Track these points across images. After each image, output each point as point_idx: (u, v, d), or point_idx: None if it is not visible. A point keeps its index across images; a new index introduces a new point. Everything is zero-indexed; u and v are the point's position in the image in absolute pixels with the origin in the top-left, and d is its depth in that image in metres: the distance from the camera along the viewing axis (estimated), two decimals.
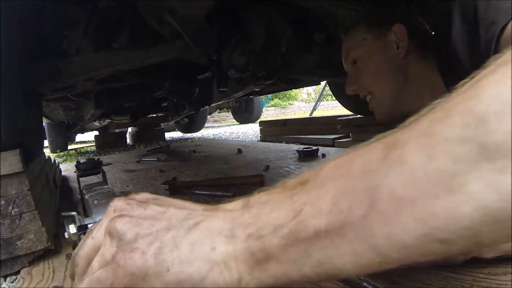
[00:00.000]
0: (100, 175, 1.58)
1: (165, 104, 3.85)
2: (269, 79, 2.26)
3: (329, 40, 2.10)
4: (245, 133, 6.77)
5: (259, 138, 5.36)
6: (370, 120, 3.33)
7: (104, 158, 4.37)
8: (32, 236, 1.23)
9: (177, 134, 7.71)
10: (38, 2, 1.55)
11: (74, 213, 1.08)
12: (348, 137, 3.63)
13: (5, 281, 1.20)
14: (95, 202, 1.21)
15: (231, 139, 5.87)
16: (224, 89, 2.26)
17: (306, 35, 2.07)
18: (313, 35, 2.09)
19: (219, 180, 2.19)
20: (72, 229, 0.99)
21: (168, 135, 6.83)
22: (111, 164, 3.75)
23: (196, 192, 2.00)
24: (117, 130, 6.64)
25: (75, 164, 1.66)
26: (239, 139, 5.74)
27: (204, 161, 3.34)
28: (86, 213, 1.36)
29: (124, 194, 1.85)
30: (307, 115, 9.74)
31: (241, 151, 3.59)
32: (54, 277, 1.13)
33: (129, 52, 1.86)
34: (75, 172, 1.69)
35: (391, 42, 1.24)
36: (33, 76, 1.61)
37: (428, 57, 1.24)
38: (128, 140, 6.50)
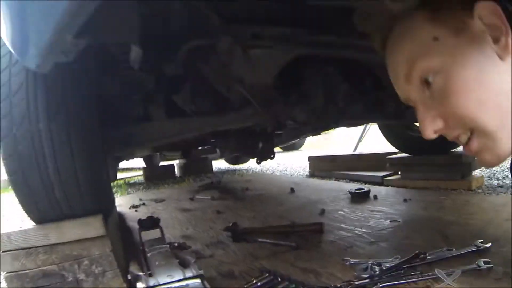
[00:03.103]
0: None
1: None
2: (326, 130, 2.38)
3: (378, 83, 2.05)
4: (292, 165, 6.84)
5: (307, 172, 5.44)
6: (419, 159, 3.39)
7: (156, 193, 4.56)
8: None
9: (223, 165, 7.80)
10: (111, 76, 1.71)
11: (141, 273, 1.34)
12: (397, 174, 3.70)
13: None
14: (156, 263, 1.44)
15: (278, 172, 5.97)
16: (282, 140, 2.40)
17: (357, 82, 2.08)
18: (363, 80, 2.09)
19: (279, 228, 2.29)
20: (139, 285, 1.25)
21: (214, 165, 6.95)
22: (164, 200, 3.90)
23: (259, 240, 2.11)
24: (165, 163, 6.74)
25: (137, 221, 1.89)
26: (287, 173, 5.85)
27: (258, 201, 3.45)
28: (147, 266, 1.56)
29: (185, 238, 1.99)
30: (348, 141, 9.75)
31: (294, 191, 3.69)
32: None
33: (200, 120, 1.97)
34: (138, 228, 1.87)
35: (481, 35, 0.82)
36: (109, 142, 1.75)
37: None
38: (176, 172, 6.60)
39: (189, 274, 1.32)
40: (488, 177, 3.24)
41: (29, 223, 1.42)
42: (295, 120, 2.00)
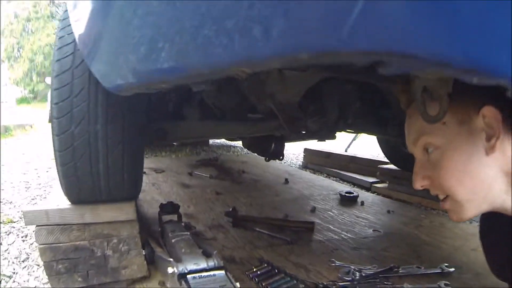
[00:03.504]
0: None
1: None
2: (331, 138, 2.60)
3: (386, 103, 2.18)
4: (286, 151, 6.94)
5: (300, 162, 5.69)
6: (407, 175, 3.48)
7: (154, 161, 4.74)
8: (135, 267, 1.61)
9: (219, 140, 7.91)
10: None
11: (171, 259, 1.45)
12: (385, 183, 3.90)
13: None
14: (182, 250, 1.56)
15: None
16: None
17: (368, 100, 2.23)
18: (373, 99, 2.23)
19: (275, 220, 2.54)
20: (170, 270, 1.38)
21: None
22: (164, 171, 4.12)
23: (257, 229, 2.36)
24: None
25: (160, 205, 2.04)
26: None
27: (255, 188, 3.70)
28: (166, 247, 1.75)
29: (187, 216, 2.19)
30: (341, 137, 9.76)
31: (288, 181, 3.94)
32: None
33: (230, 125, 2.16)
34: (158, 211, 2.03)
35: (479, 130, 0.98)
36: (147, 135, 1.87)
37: None
38: None
39: (211, 264, 1.43)
40: None
41: (65, 202, 1.56)
42: (307, 128, 2.17)
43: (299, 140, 2.93)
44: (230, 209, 2.61)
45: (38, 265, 1.88)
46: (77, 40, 1.22)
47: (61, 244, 1.47)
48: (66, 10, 1.45)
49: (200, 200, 3.04)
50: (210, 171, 4.17)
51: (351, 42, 0.53)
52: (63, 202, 1.55)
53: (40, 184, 3.54)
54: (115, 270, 1.57)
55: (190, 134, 2.16)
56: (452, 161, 1.03)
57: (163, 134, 2.03)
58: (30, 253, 2.01)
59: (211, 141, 7.09)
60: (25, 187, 3.58)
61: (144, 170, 3.79)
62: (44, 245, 1.45)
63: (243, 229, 2.41)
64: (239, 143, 7.48)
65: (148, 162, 4.50)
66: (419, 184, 1.13)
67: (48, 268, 1.46)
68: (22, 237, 2.25)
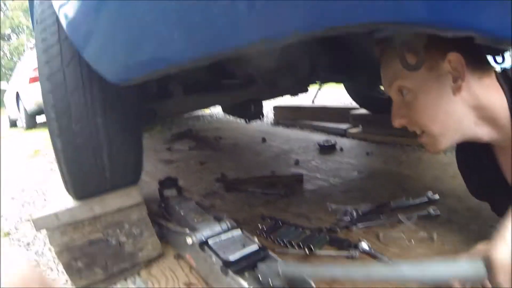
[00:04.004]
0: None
1: None
2: (304, 92, 2.69)
3: (355, 59, 2.25)
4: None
5: (270, 120, 5.73)
6: (379, 117, 3.69)
7: None
8: (150, 247, 1.64)
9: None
10: None
11: (187, 229, 1.52)
12: (358, 127, 4.01)
13: (126, 281, 1.61)
14: (195, 220, 1.63)
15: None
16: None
17: (339, 56, 2.26)
18: (344, 56, 2.25)
19: (265, 178, 2.64)
20: (189, 240, 1.43)
21: None
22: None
23: (250, 189, 2.47)
24: None
25: (159, 180, 2.12)
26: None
27: (235, 151, 3.80)
28: (175, 220, 1.79)
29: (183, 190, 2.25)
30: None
31: (265, 140, 4.04)
32: (176, 275, 1.56)
33: (213, 96, 2.23)
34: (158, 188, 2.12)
35: (446, 74, 1.10)
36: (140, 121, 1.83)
37: (486, 81, 1.14)
38: None
39: (225, 227, 1.51)
40: None
41: (70, 201, 1.55)
42: (276, 85, 2.22)
43: (274, 97, 3.00)
44: (219, 176, 2.70)
45: (51, 269, 1.88)
46: (74, 42, 1.23)
47: (76, 242, 1.47)
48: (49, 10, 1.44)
49: (187, 173, 3.11)
50: (188, 143, 4.23)
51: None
52: (69, 201, 1.55)
53: (23, 190, 3.51)
54: (132, 255, 1.59)
55: (177, 110, 2.25)
56: (424, 102, 1.16)
57: (153, 114, 2.10)
58: (39, 259, 2.01)
59: None
60: (10, 198, 3.51)
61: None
62: (60, 247, 1.46)
63: (237, 192, 2.50)
64: (206, 111, 7.54)
65: None
66: (397, 123, 1.26)
67: (68, 267, 1.47)
68: (24, 246, 2.25)
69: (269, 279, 1.15)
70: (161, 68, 1.00)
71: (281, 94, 2.81)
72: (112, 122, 1.50)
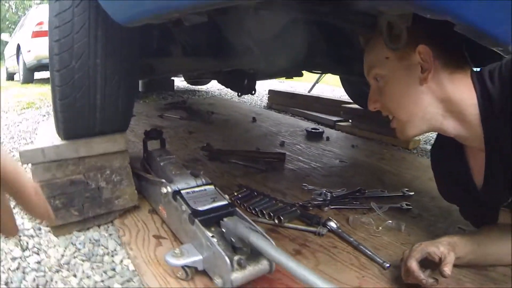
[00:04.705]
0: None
1: None
2: (299, 75, 2.73)
3: (351, 46, 2.27)
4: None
5: (264, 103, 5.79)
6: (370, 113, 3.61)
7: None
8: (127, 196, 1.67)
9: (182, 84, 7.88)
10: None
11: (163, 180, 1.56)
12: (348, 121, 4.07)
13: (99, 228, 1.65)
14: (172, 172, 1.69)
15: (237, 99, 6.26)
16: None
17: (335, 42, 2.34)
18: (340, 42, 2.31)
19: (249, 152, 2.68)
20: (164, 190, 1.48)
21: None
22: (134, 115, 4.05)
23: (232, 161, 2.52)
24: None
25: (144, 131, 2.14)
26: (245, 101, 6.16)
27: (225, 126, 3.84)
28: (154, 172, 1.85)
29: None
30: (305, 78, 9.85)
31: (256, 120, 4.09)
32: (148, 227, 1.61)
33: (211, 60, 2.25)
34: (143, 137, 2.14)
35: (416, 64, 1.16)
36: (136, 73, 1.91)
37: (458, 77, 1.18)
38: (140, 87, 6.62)
39: (200, 182, 1.56)
40: (424, 141, 3.65)
41: (58, 140, 1.59)
42: (273, 65, 2.32)
43: (269, 78, 3.04)
44: (205, 145, 2.74)
45: None
46: None
47: (57, 180, 1.49)
48: None
49: (174, 139, 3.15)
50: (180, 113, 4.24)
51: None
52: (57, 140, 1.59)
53: (12, 137, 3.51)
54: (108, 201, 1.62)
55: (175, 69, 2.32)
56: (394, 88, 1.25)
57: (150, 69, 2.13)
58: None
59: (176, 86, 7.10)
60: None
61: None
62: (41, 183, 1.48)
63: (219, 161, 2.55)
64: (202, 88, 7.55)
65: None
66: (372, 106, 1.34)
67: None
68: None
69: (231, 237, 1.19)
70: (161, 12, 1.05)
71: (276, 75, 2.84)
72: (110, 65, 1.55)
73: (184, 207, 1.36)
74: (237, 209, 1.39)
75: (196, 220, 1.27)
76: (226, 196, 1.48)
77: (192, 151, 2.78)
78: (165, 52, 2.23)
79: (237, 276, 1.12)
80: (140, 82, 6.56)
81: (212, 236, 1.21)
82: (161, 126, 3.61)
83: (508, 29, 0.81)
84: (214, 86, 7.51)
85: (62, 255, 1.45)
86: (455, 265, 1.21)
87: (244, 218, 1.32)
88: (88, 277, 1.33)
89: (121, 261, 1.43)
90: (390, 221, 1.72)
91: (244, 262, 1.14)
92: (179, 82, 7.83)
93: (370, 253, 1.46)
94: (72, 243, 1.53)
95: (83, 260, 1.42)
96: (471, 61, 1.20)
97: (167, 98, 5.89)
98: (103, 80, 1.54)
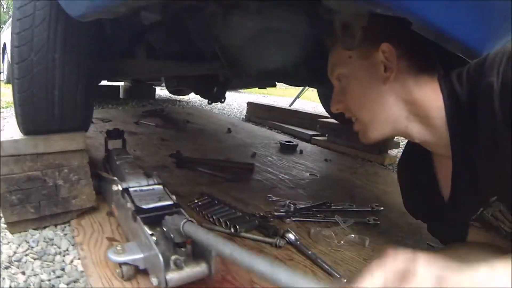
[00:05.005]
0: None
1: None
2: (271, 86, 2.71)
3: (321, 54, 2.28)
4: (231, 105, 7.15)
5: (243, 116, 5.77)
6: (346, 128, 3.65)
7: (101, 112, 4.72)
8: (84, 197, 1.66)
9: (164, 93, 7.89)
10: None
11: (115, 178, 1.56)
12: (324, 136, 4.04)
13: (56, 228, 1.64)
14: (126, 171, 1.70)
15: (217, 110, 6.26)
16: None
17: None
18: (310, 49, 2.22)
19: (218, 162, 2.65)
20: (115, 188, 1.48)
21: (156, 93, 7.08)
22: (111, 121, 4.12)
23: (199, 169, 2.47)
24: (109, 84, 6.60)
25: (106, 130, 2.17)
26: (225, 112, 6.15)
27: (199, 135, 3.80)
28: (111, 171, 1.87)
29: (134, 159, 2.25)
30: (287, 92, 9.91)
31: (231, 131, 4.05)
32: (103, 229, 1.59)
33: (177, 64, 2.22)
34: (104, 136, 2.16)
35: (378, 63, 1.12)
36: (99, 72, 1.95)
37: (424, 79, 1.13)
38: (120, 94, 6.68)
39: (151, 182, 1.58)
40: None
41: (19, 134, 1.59)
42: (248, 74, 2.27)
43: (241, 88, 3.03)
44: (174, 152, 2.70)
45: None
46: None
47: (14, 175, 1.48)
48: None
49: (146, 146, 3.11)
50: (156, 121, 4.22)
51: None
52: (17, 134, 1.58)
53: None
54: (65, 200, 1.61)
55: (139, 71, 2.28)
56: (355, 88, 1.20)
57: (114, 70, 2.14)
58: None
59: (157, 95, 7.09)
60: None
61: (92, 119, 3.81)
62: None
63: (187, 169, 2.51)
64: (184, 98, 7.55)
65: (96, 113, 4.40)
66: (334, 107, 1.29)
67: (2, 199, 1.49)
68: None
69: (170, 233, 1.18)
70: (100, 10, 1.09)
71: (247, 85, 2.82)
72: (69, 61, 1.55)
73: (129, 204, 1.35)
74: (182, 210, 1.37)
75: (138, 217, 1.26)
76: (174, 197, 1.47)
77: (162, 158, 2.74)
78: (129, 54, 2.21)
79: (173, 276, 1.09)
80: (120, 89, 6.57)
81: (152, 235, 1.19)
82: (135, 132, 3.62)
83: (469, 31, 0.78)
84: (196, 97, 7.49)
85: (15, 252, 1.44)
86: None
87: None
88: (35, 275, 1.31)
89: (72, 261, 1.42)
90: (352, 235, 1.66)
91: (181, 263, 1.11)
92: (161, 91, 7.83)
93: (328, 268, 1.41)
94: (26, 241, 1.52)
95: (34, 259, 1.41)
96: (443, 68, 1.17)
97: (146, 105, 5.88)
98: (61, 75, 1.54)
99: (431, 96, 1.12)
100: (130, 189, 1.45)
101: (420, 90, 1.13)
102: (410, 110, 1.15)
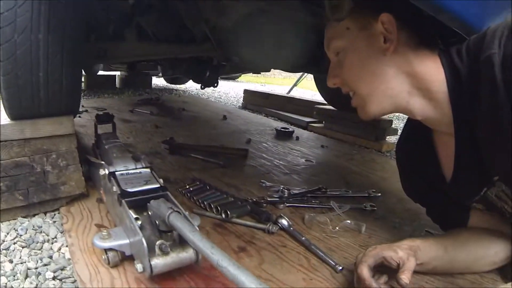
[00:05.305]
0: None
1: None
2: (266, 71, 2.67)
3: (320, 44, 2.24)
4: (228, 94, 7.10)
5: (239, 104, 5.73)
6: (343, 114, 3.64)
7: (97, 101, 4.68)
8: (73, 183, 1.63)
9: (161, 82, 7.85)
10: None
11: (103, 162, 1.54)
12: (321, 123, 4.00)
13: (45, 215, 1.61)
14: (114, 155, 1.67)
15: (213, 98, 6.22)
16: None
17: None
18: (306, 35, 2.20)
19: (211, 147, 2.61)
20: (102, 172, 1.46)
21: (153, 82, 7.03)
22: (106, 110, 3.99)
23: (192, 155, 2.43)
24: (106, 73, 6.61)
25: (96, 115, 2.12)
26: (221, 100, 6.11)
27: (193, 122, 3.75)
28: (100, 155, 1.84)
29: (126, 146, 2.23)
30: (285, 81, 9.90)
31: (226, 118, 4.01)
32: (92, 216, 1.56)
33: (167, 46, 2.19)
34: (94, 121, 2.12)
35: (378, 34, 1.09)
36: (86, 55, 1.94)
37: (424, 52, 1.10)
38: (117, 83, 6.62)
39: (139, 166, 1.55)
40: None
41: (5, 119, 1.54)
42: (240, 57, 2.26)
43: (235, 73, 2.99)
44: (167, 139, 2.66)
45: None
46: None
47: (1, 161, 1.46)
48: None
49: (139, 133, 3.07)
50: (151, 109, 4.18)
51: None
52: (4, 120, 1.54)
53: None
54: (54, 187, 1.58)
55: (129, 54, 2.22)
56: (353, 60, 1.16)
57: (103, 53, 2.09)
58: None
59: (154, 84, 7.05)
60: None
61: (86, 108, 3.79)
62: None
63: (179, 155, 2.46)
64: (181, 87, 7.50)
65: (91, 102, 4.44)
66: (331, 82, 1.25)
67: None
68: None
69: (156, 219, 1.15)
70: None
71: (240, 70, 2.78)
72: (53, 42, 1.50)
73: (115, 187, 1.32)
74: (169, 193, 1.34)
75: (123, 201, 1.23)
76: (161, 180, 1.44)
77: (155, 145, 2.70)
78: (119, 37, 2.18)
79: (158, 262, 1.06)
80: (117, 78, 6.53)
81: (137, 219, 1.16)
82: (129, 120, 3.58)
83: (466, 4, 0.75)
84: (192, 86, 7.46)
85: (3, 240, 1.42)
86: (418, 272, 1.15)
87: (173, 202, 1.26)
88: (22, 263, 1.30)
89: (59, 248, 1.40)
90: (348, 221, 1.61)
91: (166, 248, 1.08)
92: (158, 80, 7.79)
93: (322, 254, 1.36)
94: (14, 229, 1.49)
95: (22, 247, 1.39)
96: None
97: (142, 94, 5.84)
98: (46, 57, 1.49)
99: (432, 69, 1.08)
100: (117, 173, 1.43)
101: (420, 63, 1.09)
102: (411, 83, 1.11)
